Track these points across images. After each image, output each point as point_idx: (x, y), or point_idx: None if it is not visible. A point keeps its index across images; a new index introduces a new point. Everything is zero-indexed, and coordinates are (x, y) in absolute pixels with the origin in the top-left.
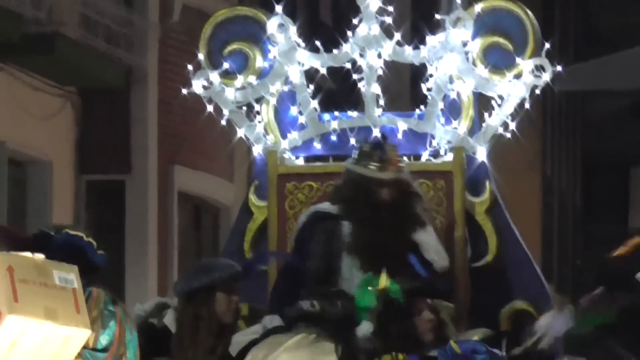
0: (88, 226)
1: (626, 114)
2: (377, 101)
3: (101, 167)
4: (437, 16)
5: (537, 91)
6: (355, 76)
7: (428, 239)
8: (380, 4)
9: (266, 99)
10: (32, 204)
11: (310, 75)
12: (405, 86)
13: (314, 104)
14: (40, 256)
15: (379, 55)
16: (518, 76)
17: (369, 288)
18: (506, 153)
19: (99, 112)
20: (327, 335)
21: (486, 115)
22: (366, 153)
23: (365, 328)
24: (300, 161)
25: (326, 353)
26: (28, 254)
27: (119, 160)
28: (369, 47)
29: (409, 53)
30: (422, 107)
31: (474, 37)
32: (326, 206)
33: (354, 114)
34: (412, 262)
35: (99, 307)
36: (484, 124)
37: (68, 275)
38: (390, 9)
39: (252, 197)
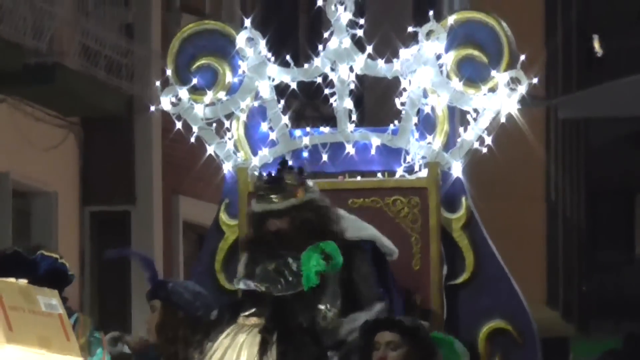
0: (93, 257)
1: (630, 140)
2: (350, 116)
3: (105, 198)
4: (410, 29)
5: (514, 104)
6: (326, 91)
7: (376, 233)
8: (351, 17)
9: (236, 115)
10: (37, 235)
11: (281, 90)
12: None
13: (285, 119)
14: (23, 281)
15: (351, 69)
16: (493, 89)
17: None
18: (510, 180)
19: (102, 143)
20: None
21: (461, 129)
22: (260, 188)
23: None
24: None
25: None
26: (12, 279)
27: (123, 191)
28: (341, 61)
29: (381, 67)
30: (396, 122)
31: (447, 50)
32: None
33: (326, 129)
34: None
35: (85, 333)
36: (459, 139)
37: (51, 301)
38: (362, 21)
39: (223, 216)
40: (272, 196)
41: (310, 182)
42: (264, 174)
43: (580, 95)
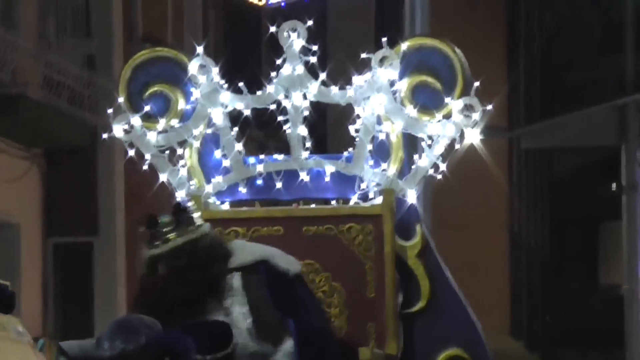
0: (56, 288)
1: (593, 170)
2: (304, 143)
3: (68, 229)
4: (363, 55)
5: (467, 131)
6: (280, 118)
7: (270, 252)
8: (304, 44)
9: (189, 142)
10: (0, 267)
11: (234, 117)
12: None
13: (239, 146)
14: None
15: (304, 96)
16: (448, 116)
17: None
18: (473, 210)
19: (65, 174)
20: None
21: (416, 156)
22: (147, 236)
23: None
24: (226, 206)
25: None
26: None
27: (86, 222)
28: (294, 88)
29: (335, 93)
30: (350, 149)
31: (401, 77)
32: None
33: (280, 156)
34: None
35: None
36: (413, 166)
37: (19, 328)
38: (315, 48)
39: None
40: (155, 243)
41: (194, 220)
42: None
43: (542, 125)
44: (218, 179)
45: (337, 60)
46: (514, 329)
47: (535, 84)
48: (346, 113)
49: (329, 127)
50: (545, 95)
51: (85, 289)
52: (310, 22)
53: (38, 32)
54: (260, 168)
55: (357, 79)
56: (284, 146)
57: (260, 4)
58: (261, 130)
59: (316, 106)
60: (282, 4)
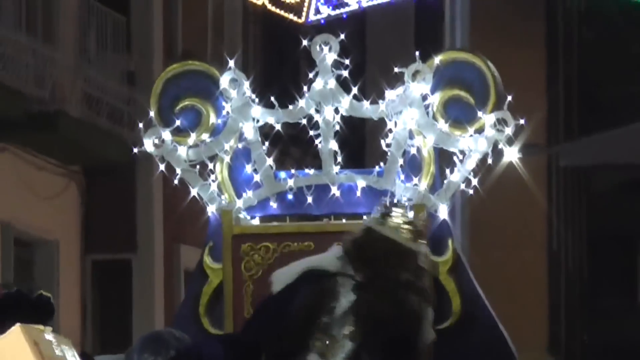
0: (95, 305)
1: (632, 187)
2: (335, 158)
3: (107, 246)
4: (396, 69)
5: (500, 145)
6: (311, 132)
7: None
8: (336, 57)
9: (220, 157)
10: (39, 283)
11: (266, 131)
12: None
13: (270, 161)
14: (48, 328)
15: (336, 111)
16: (480, 131)
17: None
18: (512, 228)
19: (103, 191)
20: None
21: (448, 171)
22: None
23: None
24: (256, 221)
25: None
26: (40, 326)
27: (124, 239)
28: (326, 102)
29: (367, 108)
30: (381, 163)
31: (433, 91)
32: (326, 260)
33: (311, 171)
34: None
35: None
36: (445, 181)
37: (72, 350)
38: (347, 62)
39: (207, 259)
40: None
41: None
42: None
43: (581, 142)
44: (249, 193)
45: (372, 74)
46: (551, 347)
47: (573, 101)
48: (384, 125)
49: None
50: (583, 112)
51: (123, 305)
52: (342, 36)
53: (78, 47)
54: (291, 183)
55: (389, 94)
56: (315, 160)
57: (300, 21)
58: (294, 145)
59: (353, 118)
60: (322, 21)
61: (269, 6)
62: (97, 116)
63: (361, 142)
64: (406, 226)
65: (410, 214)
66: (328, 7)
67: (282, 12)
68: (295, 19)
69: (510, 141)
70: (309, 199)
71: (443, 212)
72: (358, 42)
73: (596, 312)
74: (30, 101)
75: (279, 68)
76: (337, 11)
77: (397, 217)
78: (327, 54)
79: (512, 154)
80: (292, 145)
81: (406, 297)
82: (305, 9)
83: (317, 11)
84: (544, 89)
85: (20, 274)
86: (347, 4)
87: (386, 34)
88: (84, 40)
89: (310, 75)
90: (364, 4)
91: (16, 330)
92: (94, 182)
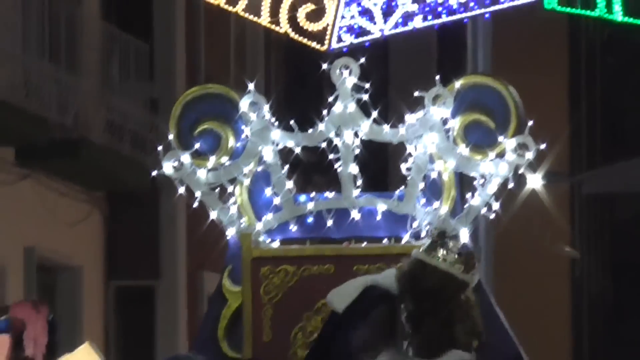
0: (118, 331)
1: None
2: (355, 181)
3: (130, 273)
4: (416, 93)
5: (521, 170)
6: (331, 156)
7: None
8: (357, 81)
9: (239, 180)
10: (62, 310)
11: (285, 155)
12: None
13: (289, 184)
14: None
15: (356, 134)
16: (501, 155)
17: None
18: (535, 256)
19: (127, 217)
20: None
21: (468, 195)
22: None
23: None
24: (276, 244)
25: None
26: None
27: (148, 266)
28: (345, 126)
29: (386, 132)
30: (402, 187)
31: (454, 115)
32: (386, 280)
33: (330, 195)
34: None
35: None
36: (466, 205)
37: None
38: (367, 85)
39: (226, 282)
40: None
41: None
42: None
43: (604, 170)
44: (268, 216)
45: (394, 101)
46: None
47: (596, 129)
48: (405, 149)
49: (390, 162)
50: (607, 140)
51: (147, 332)
52: (362, 60)
53: (101, 75)
54: (310, 206)
55: (409, 117)
56: (334, 183)
57: (323, 49)
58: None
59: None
60: (345, 49)
61: (292, 34)
62: (120, 143)
63: (384, 165)
64: (458, 257)
65: (460, 243)
66: (350, 35)
67: (304, 40)
68: (318, 47)
69: (531, 166)
70: (329, 223)
71: (464, 236)
72: (380, 69)
73: (620, 340)
74: (54, 128)
75: (301, 94)
76: (360, 39)
77: (449, 247)
78: (347, 77)
79: (535, 182)
80: (313, 172)
81: (456, 333)
82: (327, 37)
83: (340, 39)
84: (566, 116)
85: (44, 299)
86: (369, 32)
87: (409, 61)
88: (107, 68)
89: (330, 99)
90: (387, 32)
91: (86, 347)
92: (117, 209)
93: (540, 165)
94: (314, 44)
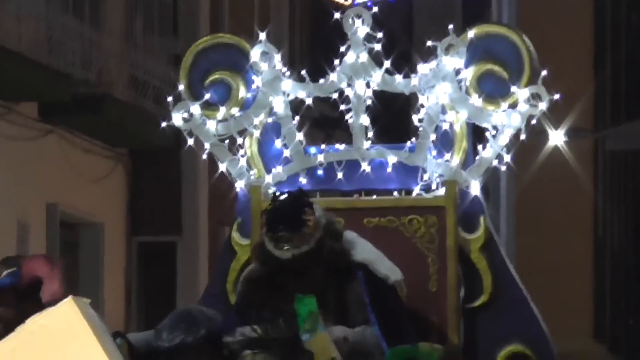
0: (140, 287)
1: None
2: (366, 133)
3: (152, 229)
4: (429, 43)
5: (534, 121)
6: (342, 107)
7: (372, 257)
8: (369, 31)
9: (249, 132)
10: (84, 266)
11: (296, 106)
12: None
13: (300, 136)
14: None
15: (368, 85)
16: (513, 106)
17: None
18: (558, 213)
19: (149, 174)
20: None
21: (480, 146)
22: (276, 238)
23: None
24: None
25: None
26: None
27: (170, 222)
28: (357, 76)
29: (399, 82)
30: (413, 139)
31: (467, 65)
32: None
33: (341, 146)
34: (360, 281)
35: None
36: (477, 157)
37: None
38: (380, 35)
39: (235, 236)
40: (285, 245)
41: (316, 211)
42: (274, 213)
43: (628, 127)
44: (278, 169)
45: (418, 60)
46: (597, 333)
47: (621, 86)
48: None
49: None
50: (631, 97)
51: (168, 287)
52: (375, 9)
53: (125, 31)
54: (321, 158)
55: (422, 67)
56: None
57: (347, 3)
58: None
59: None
60: (369, 3)
61: None
62: (143, 99)
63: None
64: None
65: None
66: None
67: None
68: (342, 1)
69: (555, 122)
70: (339, 175)
71: (475, 189)
72: (405, 25)
73: None
74: (77, 84)
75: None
76: None
77: None
78: (359, 27)
79: (557, 138)
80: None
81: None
82: None
83: None
84: (591, 73)
85: (66, 255)
86: None
87: (433, 19)
88: (131, 24)
89: (343, 49)
90: None
91: (69, 302)
92: (140, 165)
93: (564, 121)
94: None
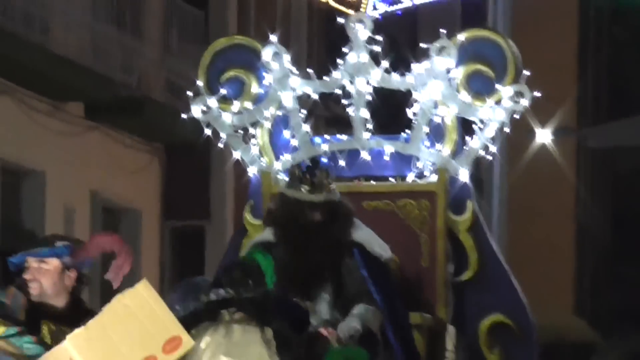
0: (173, 267)
1: None
2: (366, 125)
3: (184, 214)
4: (422, 45)
5: (516, 116)
6: (344, 101)
7: (368, 237)
8: (370, 34)
9: (261, 123)
10: None
11: (303, 100)
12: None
13: (306, 127)
14: None
15: (368, 82)
16: (498, 102)
17: None
18: (544, 202)
19: (182, 166)
20: (251, 318)
21: (468, 138)
22: (297, 177)
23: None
24: None
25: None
26: None
27: (199, 208)
28: (358, 74)
29: (395, 80)
30: (408, 131)
31: (457, 65)
32: (265, 235)
33: (343, 137)
34: (356, 259)
35: None
36: (466, 147)
37: None
38: (379, 38)
39: (248, 216)
40: (305, 187)
41: (333, 184)
42: (302, 165)
43: (609, 126)
44: (286, 156)
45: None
46: (578, 309)
47: (602, 89)
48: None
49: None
50: (611, 99)
51: (197, 267)
52: (377, 15)
53: (162, 40)
54: (325, 147)
55: (416, 67)
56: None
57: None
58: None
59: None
60: (379, 17)
61: (331, 2)
62: (178, 101)
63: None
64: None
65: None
66: (385, 3)
67: (342, 8)
68: (354, 14)
69: (557, 131)
70: (341, 162)
71: (464, 176)
72: (410, 36)
73: (620, 279)
74: (119, 87)
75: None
76: (393, 7)
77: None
78: (360, 30)
79: (544, 136)
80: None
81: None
82: (363, 6)
83: (375, 7)
84: (575, 78)
85: None
86: (401, 1)
87: (435, 27)
88: (167, 34)
89: (345, 50)
90: (417, 1)
91: (144, 283)
92: (174, 158)
93: (550, 121)
94: (350, 12)
